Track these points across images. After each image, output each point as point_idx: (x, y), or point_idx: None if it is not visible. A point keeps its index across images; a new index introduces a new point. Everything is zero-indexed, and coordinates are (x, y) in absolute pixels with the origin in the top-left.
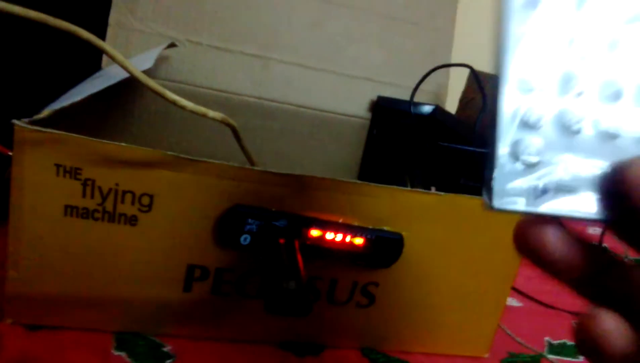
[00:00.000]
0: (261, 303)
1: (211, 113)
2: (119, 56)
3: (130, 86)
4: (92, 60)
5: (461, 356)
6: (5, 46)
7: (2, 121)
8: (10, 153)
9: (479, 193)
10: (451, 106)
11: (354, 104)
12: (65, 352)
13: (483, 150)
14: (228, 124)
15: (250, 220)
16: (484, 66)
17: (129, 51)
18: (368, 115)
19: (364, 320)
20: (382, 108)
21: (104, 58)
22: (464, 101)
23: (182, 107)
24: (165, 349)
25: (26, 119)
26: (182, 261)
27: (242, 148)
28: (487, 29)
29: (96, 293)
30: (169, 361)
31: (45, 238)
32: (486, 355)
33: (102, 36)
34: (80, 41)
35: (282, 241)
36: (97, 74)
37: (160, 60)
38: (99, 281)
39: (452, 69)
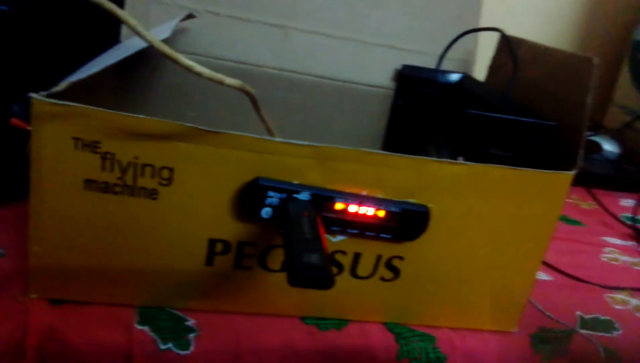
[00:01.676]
0: (283, 276)
1: (228, 80)
2: (132, 21)
3: (149, 59)
4: (110, 34)
5: (489, 331)
6: (23, 18)
7: (22, 98)
8: (29, 128)
9: (509, 163)
10: (480, 73)
11: (378, 73)
12: (88, 326)
13: (514, 118)
14: (246, 92)
15: (271, 193)
16: (515, 30)
17: (148, 23)
18: (392, 85)
19: (388, 294)
20: (407, 77)
21: (122, 32)
22: (494, 68)
23: (198, 74)
24: (188, 323)
25: (44, 92)
26: (204, 235)
27: (261, 117)
28: None
29: (118, 267)
30: (191, 335)
31: (66, 213)
32: (515, 330)
33: (120, 7)
34: (98, 14)
35: (304, 214)
36: (116, 46)
37: (179, 32)
38: (121, 256)
39: (480, 34)
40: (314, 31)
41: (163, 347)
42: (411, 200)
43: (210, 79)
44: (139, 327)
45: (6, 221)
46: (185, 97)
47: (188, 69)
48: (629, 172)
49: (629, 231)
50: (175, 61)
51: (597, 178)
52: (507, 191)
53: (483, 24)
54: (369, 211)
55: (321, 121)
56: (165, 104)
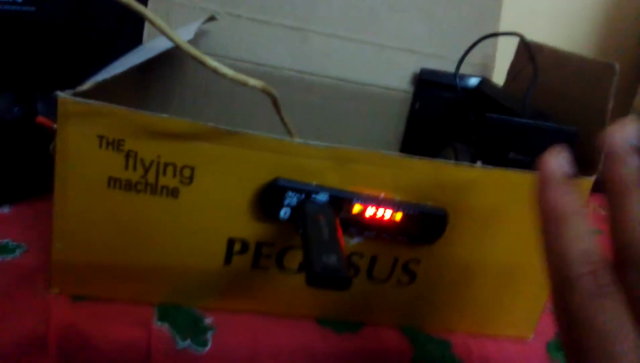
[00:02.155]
0: (300, 277)
1: (252, 81)
2: (159, 21)
3: (171, 59)
4: (133, 35)
5: (505, 337)
6: (50, 18)
7: (48, 96)
8: (55, 126)
9: (528, 167)
10: (498, 78)
11: (396, 77)
12: (108, 322)
13: (534, 122)
14: (269, 93)
15: (290, 194)
16: (533, 34)
17: (170, 24)
18: (410, 88)
19: (404, 297)
20: (425, 81)
21: (145, 33)
22: (513, 73)
23: (223, 75)
24: (206, 321)
25: (70, 91)
26: (223, 234)
27: (282, 119)
28: None
29: (138, 265)
30: (209, 332)
31: (89, 210)
32: (531, 337)
33: None
34: (122, 15)
35: (322, 215)
36: (139, 48)
37: (200, 34)
38: (141, 254)
39: (499, 38)
40: (332, 34)
41: (181, 344)
42: (429, 203)
43: (234, 80)
44: (158, 325)
45: (28, 217)
46: (204, 96)
47: (214, 70)
48: None
49: None
50: (202, 63)
51: None
52: (526, 195)
53: (502, 29)
54: (386, 213)
55: (338, 123)
56: (185, 103)
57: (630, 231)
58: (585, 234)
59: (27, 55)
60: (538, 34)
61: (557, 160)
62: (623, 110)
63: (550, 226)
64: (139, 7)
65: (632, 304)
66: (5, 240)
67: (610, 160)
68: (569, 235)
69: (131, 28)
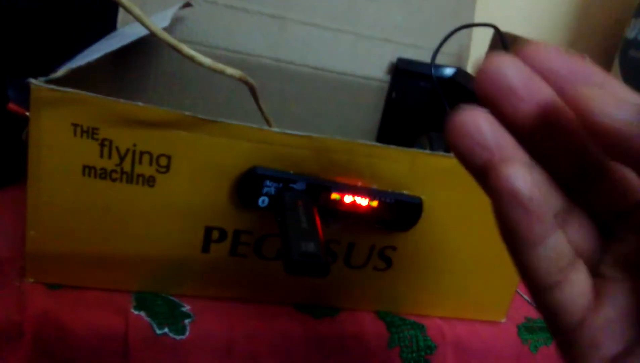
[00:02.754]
0: (278, 264)
1: (229, 70)
2: (136, 10)
3: (146, 46)
4: (107, 20)
5: (478, 320)
6: (19, 6)
7: (19, 82)
8: (27, 114)
9: None
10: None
11: (373, 66)
12: (85, 310)
13: None
14: (246, 83)
15: (268, 182)
16: (508, 26)
17: (145, 10)
18: (387, 77)
19: (380, 283)
20: (402, 70)
21: (119, 18)
22: None
23: (200, 63)
24: (183, 309)
25: (43, 78)
26: (200, 222)
27: (260, 108)
28: None
29: (115, 253)
30: (187, 320)
31: (64, 198)
32: (503, 320)
33: None
34: (94, 1)
35: (300, 203)
36: (113, 34)
37: (176, 20)
38: (118, 242)
39: (474, 29)
40: (311, 23)
41: (159, 331)
42: (404, 192)
43: (211, 69)
44: (135, 312)
45: (0, 204)
46: (180, 84)
47: (190, 59)
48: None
49: None
50: (178, 50)
51: None
52: None
53: (477, 19)
54: (363, 201)
55: (316, 112)
56: (161, 91)
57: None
58: None
59: None
60: (511, 25)
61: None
62: None
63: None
64: None
65: None
66: None
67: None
68: None
69: (104, 13)
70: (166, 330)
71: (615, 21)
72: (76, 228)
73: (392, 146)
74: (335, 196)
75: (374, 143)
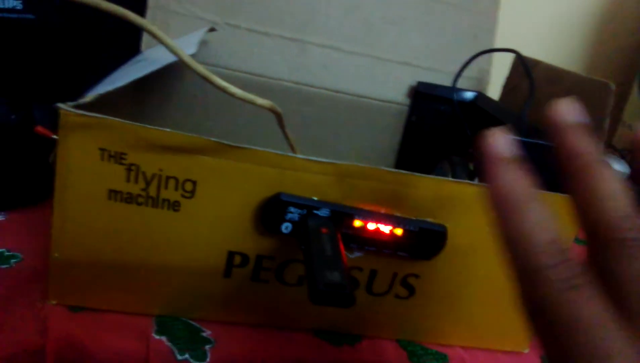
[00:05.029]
0: (299, 290)
1: (259, 101)
2: (169, 41)
3: (170, 70)
4: (131, 42)
5: (501, 351)
6: (45, 29)
7: (45, 103)
8: (54, 136)
9: None
10: (493, 92)
11: (392, 89)
12: (106, 334)
13: (533, 140)
14: (275, 112)
15: (292, 209)
16: (527, 50)
17: (168, 34)
18: (406, 101)
19: (402, 311)
20: (422, 94)
21: (144, 41)
22: (508, 88)
23: (231, 94)
24: (204, 334)
25: (71, 103)
26: (223, 247)
27: (285, 135)
28: (532, 12)
29: (137, 277)
30: (208, 346)
31: (89, 222)
32: (526, 350)
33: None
34: (118, 24)
35: (324, 230)
36: (138, 57)
37: (199, 44)
38: (141, 266)
39: (495, 53)
40: (330, 46)
41: (180, 357)
42: (428, 219)
43: (243, 100)
44: (157, 337)
45: (22, 226)
46: (202, 108)
47: (222, 90)
48: (638, 192)
49: None
50: (210, 82)
51: None
52: None
53: (497, 43)
54: (386, 229)
55: (335, 134)
56: (182, 115)
57: (599, 209)
58: (548, 220)
59: (24, 62)
60: (530, 48)
61: (502, 139)
62: (612, 124)
63: (507, 214)
64: (152, 28)
65: (612, 292)
66: (0, 249)
67: (565, 132)
68: (531, 223)
69: (129, 36)
70: (187, 355)
71: (633, 43)
72: (100, 251)
73: (417, 174)
74: (358, 223)
75: (398, 170)
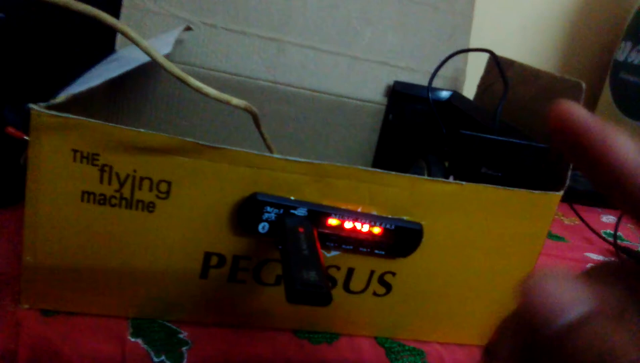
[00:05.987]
0: (277, 290)
1: (234, 101)
2: (142, 42)
3: (145, 70)
4: (105, 42)
5: (477, 346)
6: (16, 28)
7: (16, 104)
8: (26, 137)
9: (500, 183)
10: (468, 91)
11: (370, 89)
12: (81, 337)
13: (507, 139)
14: (250, 112)
15: (268, 208)
16: (501, 49)
17: (143, 33)
18: (384, 100)
19: (380, 309)
20: (399, 93)
21: (118, 40)
22: (483, 87)
23: (206, 95)
24: (181, 336)
25: (43, 104)
26: (199, 248)
27: (262, 135)
28: (507, 12)
29: (112, 279)
30: (185, 347)
31: (62, 224)
32: None
33: (116, 17)
34: (91, 23)
35: (301, 230)
36: (113, 56)
37: (175, 43)
38: (115, 268)
39: (470, 53)
40: (308, 45)
41: (156, 359)
42: (405, 217)
43: (218, 100)
44: (132, 339)
45: None
46: (178, 107)
47: (197, 90)
48: None
49: (610, 247)
50: (184, 82)
51: (579, 194)
52: (498, 210)
53: (472, 43)
54: (363, 227)
55: (313, 135)
56: (158, 114)
57: None
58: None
59: None
60: (505, 49)
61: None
62: None
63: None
64: (124, 28)
65: None
66: None
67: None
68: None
69: (103, 35)
70: (163, 357)
71: (605, 44)
72: (73, 253)
73: (393, 172)
74: (335, 222)
75: (375, 169)
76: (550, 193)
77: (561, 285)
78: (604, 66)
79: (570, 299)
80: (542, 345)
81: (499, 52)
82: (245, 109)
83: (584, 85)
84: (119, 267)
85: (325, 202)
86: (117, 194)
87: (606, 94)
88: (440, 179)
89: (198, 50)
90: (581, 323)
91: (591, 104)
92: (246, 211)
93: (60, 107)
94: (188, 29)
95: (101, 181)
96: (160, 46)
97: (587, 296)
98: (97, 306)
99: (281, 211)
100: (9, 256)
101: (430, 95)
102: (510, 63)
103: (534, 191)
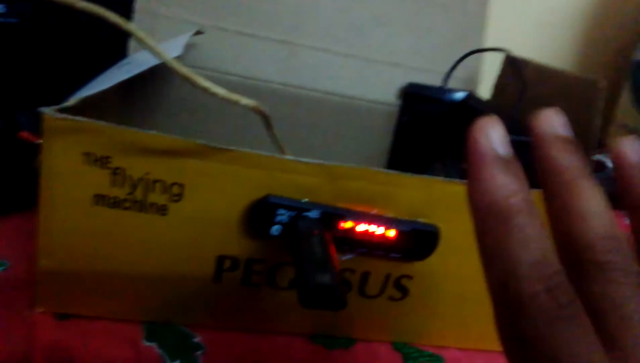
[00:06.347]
0: (291, 294)
1: (243, 101)
2: (149, 41)
3: (156, 73)
4: (117, 47)
5: (497, 352)
6: (29, 33)
7: (28, 108)
8: (38, 141)
9: None
10: (485, 92)
11: (383, 90)
12: (95, 341)
13: (524, 139)
14: (260, 113)
15: (281, 211)
16: (518, 50)
17: (155, 37)
18: (397, 102)
19: (396, 313)
20: (412, 95)
21: (130, 45)
22: (499, 87)
23: (214, 94)
24: (195, 340)
25: (54, 107)
26: (212, 251)
27: (272, 136)
28: (522, 11)
29: (125, 282)
30: (199, 352)
31: (75, 228)
32: None
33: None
34: (104, 28)
35: (314, 232)
36: (124, 61)
37: (186, 47)
38: (128, 271)
39: (485, 53)
40: (320, 48)
41: None
42: (420, 219)
43: (225, 100)
44: (147, 344)
45: (9, 233)
46: (190, 109)
47: (205, 90)
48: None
49: None
50: (192, 82)
51: None
52: None
53: (486, 42)
54: (378, 230)
55: (326, 137)
56: (170, 117)
57: (579, 228)
58: (537, 237)
59: (8, 67)
60: (520, 49)
61: (496, 133)
62: (605, 123)
63: (488, 227)
64: (131, 28)
65: (600, 325)
66: None
67: (548, 146)
68: (515, 239)
69: (115, 40)
70: (178, 362)
71: (623, 44)
72: (87, 257)
73: (408, 174)
74: (349, 224)
75: (389, 170)
76: None
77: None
78: (623, 66)
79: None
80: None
81: (514, 51)
82: (254, 109)
83: (601, 84)
84: (132, 270)
85: (339, 204)
86: (130, 198)
87: (625, 95)
88: (455, 180)
89: (210, 54)
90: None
91: (611, 105)
92: (258, 214)
93: (71, 110)
94: (199, 33)
95: (113, 184)
96: (171, 49)
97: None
98: (111, 309)
99: (294, 213)
100: (24, 260)
101: (444, 95)
102: (526, 63)
103: None
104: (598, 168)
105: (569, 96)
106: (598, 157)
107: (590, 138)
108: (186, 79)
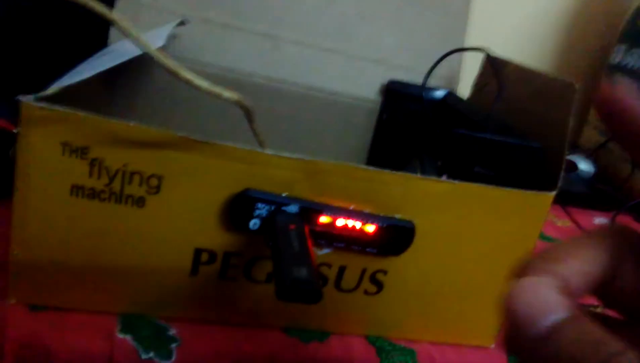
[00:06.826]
0: (268, 288)
1: (226, 94)
2: (133, 31)
3: (137, 64)
4: (98, 36)
5: (467, 345)
6: (10, 20)
7: (6, 96)
8: (14, 130)
9: (493, 182)
10: (464, 90)
11: (365, 87)
12: (69, 333)
13: (501, 138)
14: (243, 106)
15: (260, 205)
16: (499, 50)
17: (138, 27)
18: (378, 99)
19: (371, 307)
20: (393, 92)
21: (111, 35)
22: (478, 86)
23: (197, 87)
24: (170, 333)
25: (32, 96)
26: (190, 244)
27: (254, 130)
28: (504, 12)
29: (101, 274)
30: (174, 345)
31: (51, 218)
32: (492, 345)
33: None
34: (85, 16)
35: (292, 227)
36: (105, 50)
37: (169, 37)
38: (104, 263)
39: (466, 52)
40: (303, 42)
41: (145, 356)
42: (397, 216)
43: (208, 93)
44: (121, 336)
45: None
46: (171, 101)
47: (187, 82)
48: (603, 191)
49: None
50: (175, 74)
51: (572, 196)
52: (490, 209)
53: (467, 42)
54: (355, 225)
55: (307, 132)
56: (151, 108)
57: None
58: None
59: None
60: (500, 49)
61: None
62: (579, 125)
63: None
64: (114, 17)
65: None
66: None
67: None
68: None
69: (96, 30)
70: (152, 354)
71: (602, 46)
72: (62, 248)
73: (386, 170)
74: (327, 219)
75: (368, 166)
76: (543, 193)
77: (540, 293)
78: (600, 68)
79: (547, 306)
80: (526, 349)
81: (496, 51)
82: (237, 103)
83: (576, 86)
84: (108, 262)
85: (318, 199)
86: (107, 189)
87: None
88: (433, 177)
89: (192, 45)
90: (556, 328)
91: (586, 107)
92: (237, 208)
93: (50, 99)
94: (182, 23)
95: (91, 175)
96: (153, 39)
97: (562, 304)
98: (86, 301)
99: (272, 207)
100: None
101: (424, 94)
102: (505, 63)
103: (526, 191)
104: (570, 168)
105: (546, 97)
106: (571, 157)
107: (564, 137)
108: (169, 71)
